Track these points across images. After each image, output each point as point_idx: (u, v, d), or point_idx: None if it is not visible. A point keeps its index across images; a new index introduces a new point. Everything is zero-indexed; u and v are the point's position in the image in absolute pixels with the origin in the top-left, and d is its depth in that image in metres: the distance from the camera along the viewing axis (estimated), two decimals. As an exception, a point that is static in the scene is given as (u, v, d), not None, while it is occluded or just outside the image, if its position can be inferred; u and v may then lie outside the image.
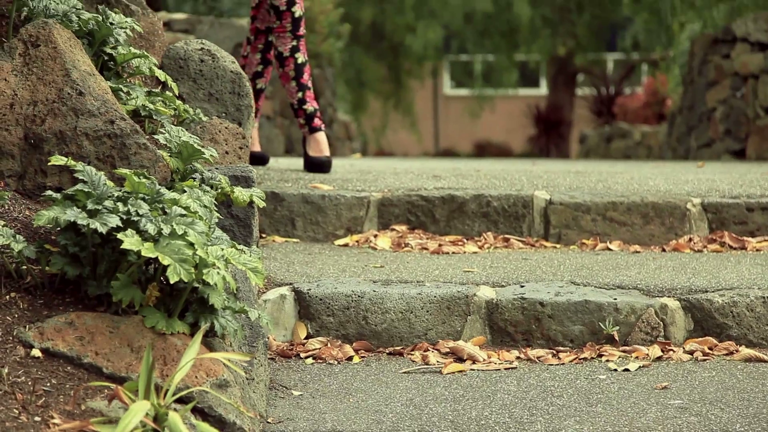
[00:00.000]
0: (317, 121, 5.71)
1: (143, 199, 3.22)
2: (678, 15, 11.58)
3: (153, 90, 4.38)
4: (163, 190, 3.29)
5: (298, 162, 6.40)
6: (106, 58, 4.10)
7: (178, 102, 4.40)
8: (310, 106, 5.68)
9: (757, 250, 4.77)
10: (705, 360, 3.60)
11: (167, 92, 4.44)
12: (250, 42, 5.89)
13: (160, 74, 4.36)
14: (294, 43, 5.61)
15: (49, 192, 3.11)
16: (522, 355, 3.70)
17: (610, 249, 4.82)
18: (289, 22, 5.57)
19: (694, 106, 10.94)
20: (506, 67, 22.53)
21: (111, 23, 4.09)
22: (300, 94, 5.68)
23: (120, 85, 4.09)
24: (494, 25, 21.41)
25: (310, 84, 5.69)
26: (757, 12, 10.03)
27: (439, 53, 22.80)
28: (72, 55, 3.69)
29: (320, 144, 5.70)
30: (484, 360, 3.65)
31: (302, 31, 5.56)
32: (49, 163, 3.42)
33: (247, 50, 5.91)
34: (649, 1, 13.03)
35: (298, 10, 5.54)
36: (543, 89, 28.00)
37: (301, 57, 5.63)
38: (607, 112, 19.64)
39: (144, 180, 3.28)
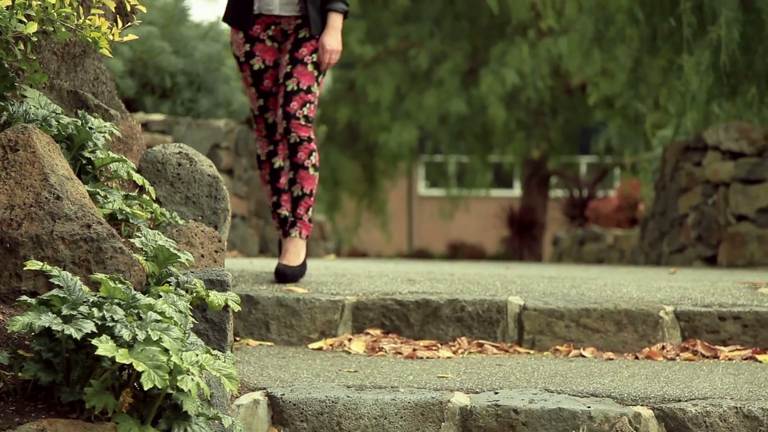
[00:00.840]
0: (288, 227, 5.59)
1: (118, 304, 3.22)
2: (649, 122, 11.73)
3: (130, 194, 4.41)
4: (139, 295, 3.30)
5: (273, 263, 6.41)
6: (84, 162, 4.13)
7: (155, 205, 4.42)
8: (284, 210, 5.60)
9: (730, 359, 4.79)
10: (678, 471, 3.59)
11: (144, 195, 4.46)
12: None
13: (138, 178, 4.38)
14: (270, 147, 5.58)
15: (24, 297, 3.11)
16: (495, 464, 3.68)
17: (583, 356, 4.83)
18: (263, 127, 5.56)
19: (666, 212, 11.03)
20: (480, 168, 22.71)
21: (90, 128, 4.12)
22: (275, 198, 5.64)
23: (97, 189, 4.11)
24: (468, 127, 21.62)
25: (287, 188, 5.57)
26: (728, 121, 10.18)
27: (413, 154, 22.97)
28: (51, 159, 3.71)
29: (288, 251, 5.54)
30: (457, 469, 3.63)
31: (279, 135, 5.53)
32: (24, 268, 3.42)
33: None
34: (621, 107, 13.21)
35: (270, 117, 5.53)
36: (517, 191, 28.20)
37: (278, 162, 5.58)
38: (580, 215, 19.78)
39: (119, 285, 3.29)
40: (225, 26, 10.19)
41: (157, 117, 8.42)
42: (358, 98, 21.37)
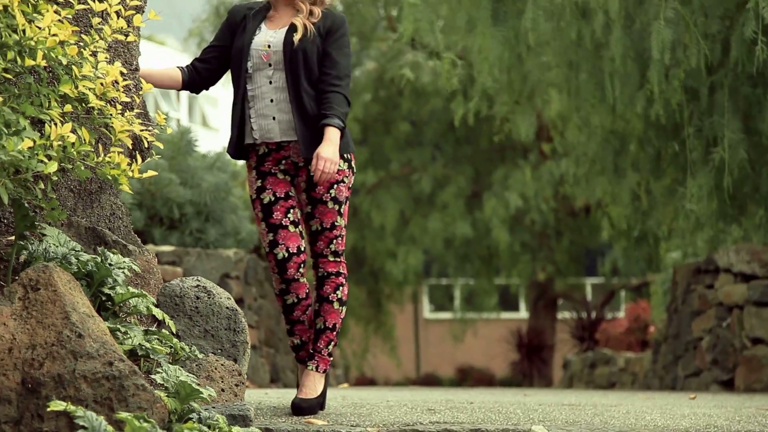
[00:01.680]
0: (303, 354, 5.44)
1: (144, 446, 3.16)
2: (659, 244, 11.72)
3: (150, 329, 4.36)
4: (164, 435, 3.24)
5: (289, 394, 6.31)
6: (104, 298, 4.09)
7: (175, 340, 4.38)
8: (296, 339, 5.45)
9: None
10: None
11: (164, 330, 4.42)
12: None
13: (158, 313, 4.35)
14: (282, 286, 5.42)
15: (49, 440, 3.04)
16: None
17: (610, 487, 4.72)
18: (274, 264, 5.36)
19: (679, 335, 10.95)
20: (486, 291, 22.63)
21: (110, 264, 4.09)
22: (288, 327, 5.49)
23: (118, 325, 4.07)
24: (474, 250, 21.60)
25: (302, 318, 5.43)
26: (737, 243, 10.17)
27: (419, 278, 22.92)
28: (72, 297, 3.67)
29: (304, 385, 5.37)
30: None
31: (291, 273, 5.36)
32: (47, 409, 3.36)
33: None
34: (627, 229, 13.21)
35: (280, 253, 5.36)
36: (524, 313, 28.08)
37: (290, 299, 5.43)
38: (590, 338, 19.63)
39: (144, 424, 3.23)
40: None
41: (166, 248, 8.40)
42: (362, 224, 21.40)
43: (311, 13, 5.33)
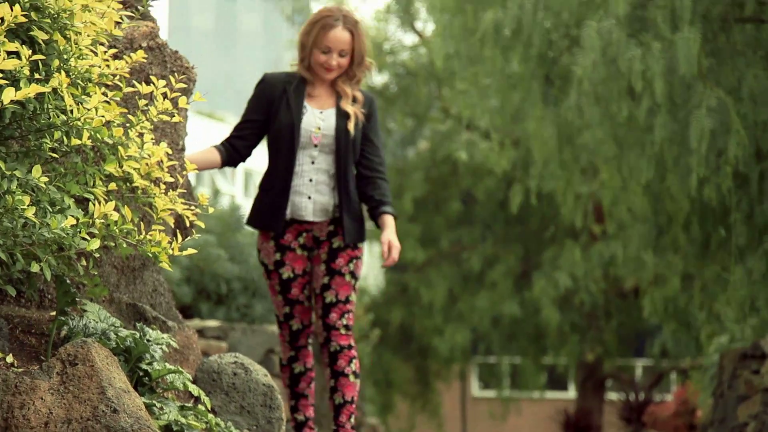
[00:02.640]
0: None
1: None
2: (705, 328, 11.66)
3: (186, 404, 4.43)
4: None
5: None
6: (141, 373, 4.17)
7: (210, 416, 4.44)
8: (301, 415, 5.54)
9: None
10: None
11: (200, 406, 4.48)
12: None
13: (194, 389, 4.41)
14: (292, 353, 5.54)
15: None
16: None
17: None
18: (287, 334, 5.48)
19: (725, 420, 10.85)
20: (533, 370, 22.55)
21: (148, 340, 4.17)
22: (293, 402, 5.58)
23: (153, 401, 4.14)
24: (521, 329, 21.55)
25: (307, 392, 5.52)
26: (786, 330, 10.10)
27: (466, 355, 22.87)
28: (108, 372, 3.75)
29: None
30: None
31: (303, 341, 5.48)
32: (80, 483, 3.42)
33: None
34: (676, 312, 13.16)
35: (295, 324, 5.47)
36: (571, 392, 27.87)
37: (298, 367, 5.55)
38: (637, 420, 19.46)
39: (174, 502, 3.28)
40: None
41: (212, 323, 8.49)
42: (411, 300, 21.43)
43: (355, 99, 5.42)
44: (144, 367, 4.17)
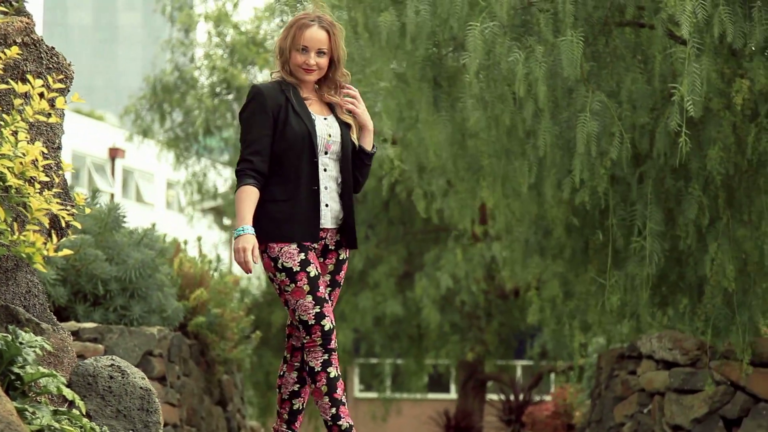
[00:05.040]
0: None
1: None
2: (581, 330, 11.80)
3: (60, 408, 4.33)
4: None
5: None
6: (13, 377, 4.06)
7: (85, 420, 4.34)
8: (345, 422, 5.23)
9: None
10: None
11: (74, 410, 4.38)
12: (287, 361, 5.50)
13: (68, 393, 4.31)
14: (325, 356, 5.23)
15: None
16: None
17: None
18: (318, 336, 5.22)
19: (602, 420, 11.01)
20: (415, 371, 22.64)
21: (21, 343, 4.07)
22: (333, 410, 5.25)
23: (26, 405, 4.03)
24: (404, 330, 21.63)
25: (344, 399, 5.26)
26: (661, 330, 10.28)
27: (349, 356, 22.86)
28: (-21, 377, 3.64)
29: None
30: None
31: (333, 344, 5.24)
32: (-53, 492, 3.32)
33: (283, 369, 5.51)
34: (554, 314, 13.30)
35: (327, 324, 5.22)
36: (452, 393, 28.04)
37: (333, 371, 5.25)
38: (516, 420, 19.65)
39: None
40: (159, 233, 10.19)
41: (88, 325, 8.32)
42: (293, 301, 21.35)
43: (341, 106, 5.44)
44: (16, 370, 4.06)
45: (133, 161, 36.76)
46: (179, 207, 39.69)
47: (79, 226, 4.22)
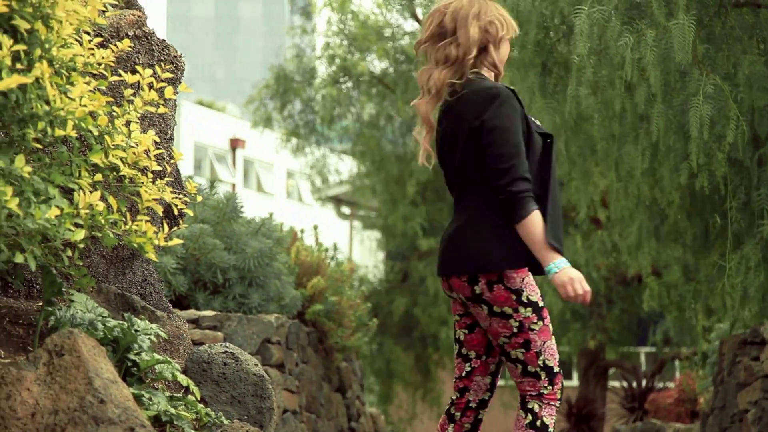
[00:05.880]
0: None
1: None
2: (701, 319, 11.63)
3: (175, 395, 4.41)
4: (177, 503, 3.27)
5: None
6: (129, 364, 4.15)
7: (200, 406, 4.42)
8: None
9: None
10: None
11: (189, 396, 4.46)
12: (454, 420, 4.65)
13: (183, 379, 4.40)
14: (556, 415, 4.57)
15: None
16: None
17: None
18: (560, 388, 4.48)
19: (725, 407, 10.84)
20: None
21: (136, 330, 4.16)
22: None
23: (142, 391, 4.12)
24: (525, 318, 21.55)
25: None
26: (784, 315, 10.08)
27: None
28: (96, 363, 3.73)
29: None
30: None
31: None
32: (64, 474, 3.41)
33: (447, 430, 4.67)
34: (676, 299, 13.13)
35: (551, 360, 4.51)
36: (574, 381, 27.87)
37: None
38: (639, 407, 19.45)
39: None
40: (276, 221, 10.30)
41: (208, 313, 8.46)
42: (414, 289, 21.41)
43: None
44: (132, 357, 4.16)
45: (254, 151, 37.23)
46: (299, 196, 40.09)
47: (191, 213, 4.30)
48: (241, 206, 9.35)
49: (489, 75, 4.56)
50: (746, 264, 9.17)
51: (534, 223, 4.31)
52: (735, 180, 9.23)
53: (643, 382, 20.72)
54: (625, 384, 21.05)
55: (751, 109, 8.80)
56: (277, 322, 9.02)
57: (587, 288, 4.31)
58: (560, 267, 4.30)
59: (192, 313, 8.35)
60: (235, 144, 36.26)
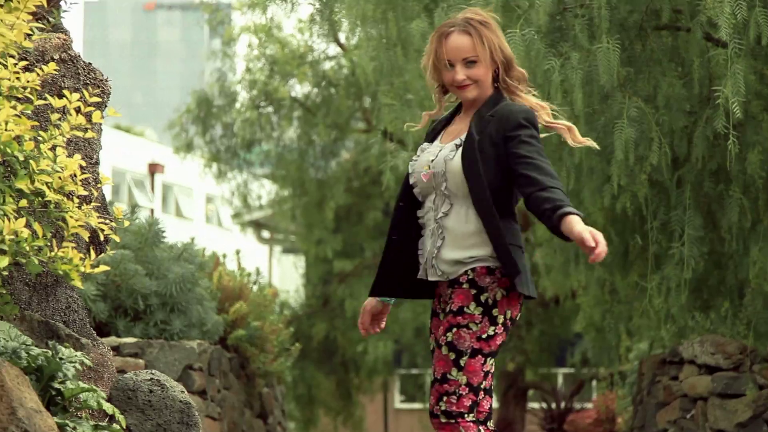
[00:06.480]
0: None
1: None
2: (624, 336, 11.75)
3: (100, 423, 4.34)
4: None
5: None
6: (54, 392, 4.08)
7: (126, 435, 4.36)
8: None
9: None
10: None
11: (115, 425, 4.40)
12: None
13: (108, 407, 4.33)
14: None
15: None
16: None
17: None
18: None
19: (644, 426, 10.94)
20: (457, 381, 22.57)
21: (60, 358, 4.08)
22: None
23: (67, 421, 4.05)
24: (445, 340, 21.58)
25: None
26: (703, 335, 10.21)
27: (389, 368, 22.83)
28: (19, 392, 3.66)
29: None
30: None
31: None
32: (-11, 507, 3.34)
33: None
34: (595, 321, 13.24)
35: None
36: (494, 403, 28.01)
37: None
38: (558, 428, 19.58)
39: None
40: (199, 247, 10.22)
41: (129, 340, 8.36)
42: (334, 313, 21.35)
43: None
44: (56, 386, 4.08)
45: (173, 176, 36.98)
46: (218, 221, 39.84)
47: (117, 239, 4.24)
48: (163, 231, 9.25)
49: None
50: (666, 284, 9.27)
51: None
52: (655, 201, 9.34)
53: (562, 404, 20.87)
54: (544, 405, 21.18)
55: (671, 131, 8.92)
56: (199, 348, 8.94)
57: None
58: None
59: (113, 340, 8.24)
60: (153, 169, 35.98)
